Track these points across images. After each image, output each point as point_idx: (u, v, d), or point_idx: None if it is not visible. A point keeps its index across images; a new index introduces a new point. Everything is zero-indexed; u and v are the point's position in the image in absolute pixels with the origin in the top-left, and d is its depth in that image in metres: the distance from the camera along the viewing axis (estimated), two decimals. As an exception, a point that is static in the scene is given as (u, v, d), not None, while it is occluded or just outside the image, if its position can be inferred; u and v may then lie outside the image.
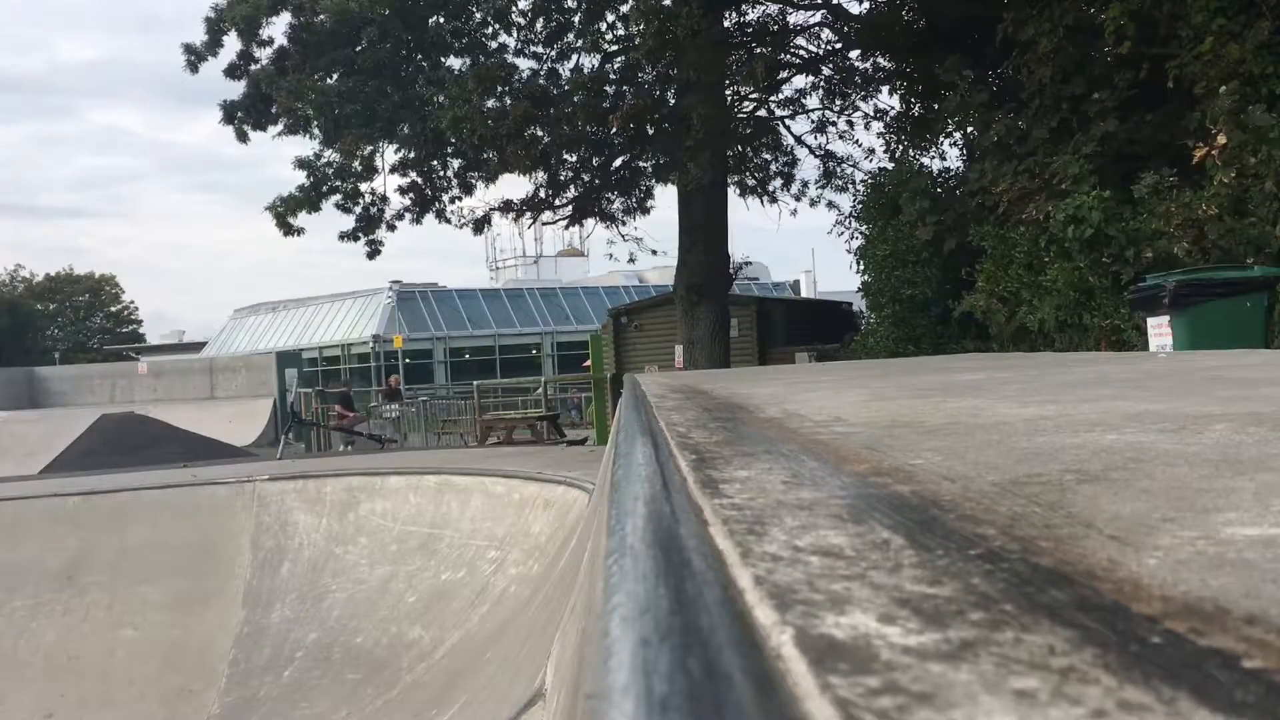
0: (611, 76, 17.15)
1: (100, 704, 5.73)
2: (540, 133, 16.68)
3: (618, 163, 18.80)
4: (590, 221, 20.12)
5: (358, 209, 18.12)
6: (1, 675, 5.91)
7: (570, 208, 19.37)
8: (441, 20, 16.98)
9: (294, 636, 5.99)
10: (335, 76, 16.89)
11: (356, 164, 17.58)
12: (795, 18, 18.64)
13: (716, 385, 3.90)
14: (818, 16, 18.59)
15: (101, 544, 6.75)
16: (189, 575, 6.53)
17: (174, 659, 5.98)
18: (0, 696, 5.78)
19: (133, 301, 74.46)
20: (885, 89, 19.53)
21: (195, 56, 16.92)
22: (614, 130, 16.73)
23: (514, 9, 17.16)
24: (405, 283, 45.28)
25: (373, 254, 18.56)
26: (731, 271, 18.81)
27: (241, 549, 6.69)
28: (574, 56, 17.80)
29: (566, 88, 16.85)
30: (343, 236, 18.34)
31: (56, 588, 6.44)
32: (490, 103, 16.05)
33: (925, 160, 17.68)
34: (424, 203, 18.34)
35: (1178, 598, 0.60)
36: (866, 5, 18.05)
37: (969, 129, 15.12)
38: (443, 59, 17.16)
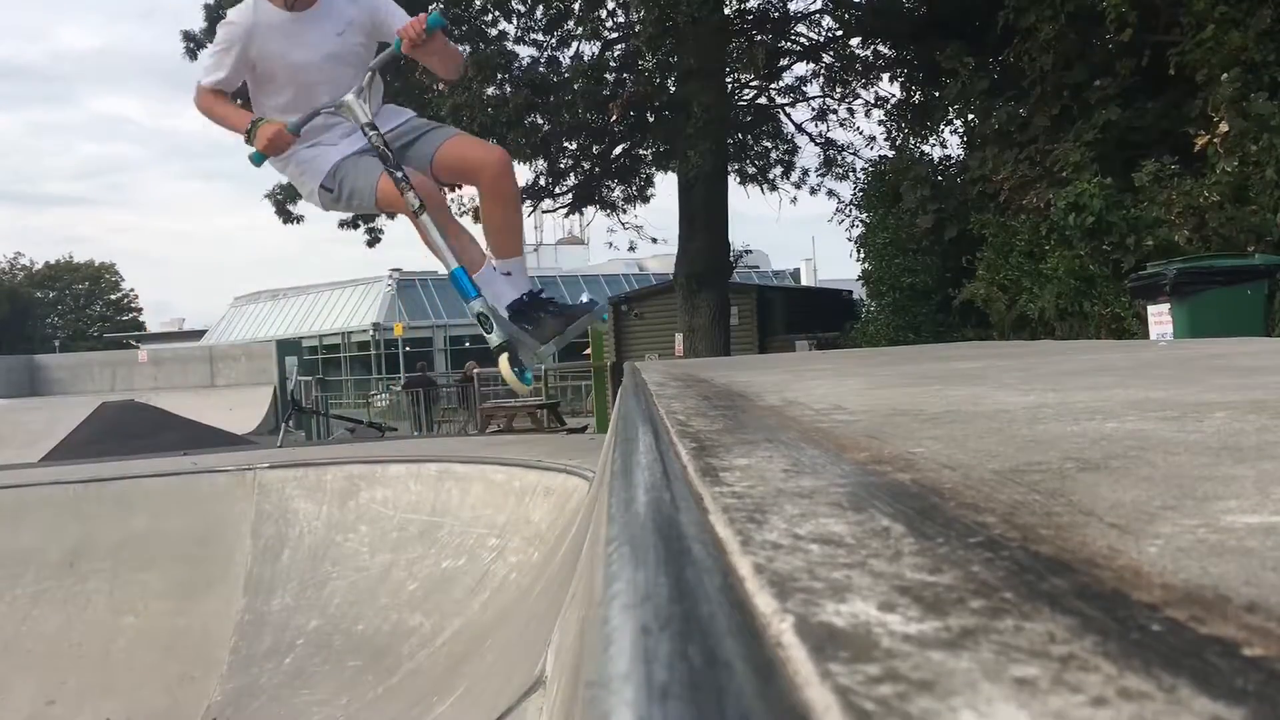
0: (612, 64, 17.10)
1: (102, 691, 5.75)
2: (540, 120, 16.64)
3: (618, 150, 18.76)
4: (590, 209, 20.11)
5: (357, 197, 18.09)
6: (4, 663, 5.92)
7: (570, 195, 19.35)
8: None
9: (295, 624, 6.00)
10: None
11: (356, 151, 17.53)
12: (796, 5, 18.69)
13: (716, 373, 3.89)
14: (818, 3, 18.57)
15: (102, 532, 6.75)
16: (190, 563, 6.53)
17: (175, 646, 5.99)
18: (3, 684, 5.80)
19: (133, 289, 74.65)
20: (886, 76, 19.52)
21: (195, 44, 16.87)
22: (614, 118, 16.70)
23: (514, -4, 17.10)
24: (405, 270, 45.23)
25: (372, 242, 18.56)
26: (732, 260, 18.80)
27: (242, 537, 6.69)
28: (574, 44, 17.76)
29: (567, 75, 16.80)
30: (342, 224, 18.35)
31: (58, 575, 6.45)
32: (490, 90, 16.00)
33: (926, 148, 17.70)
34: (423, 191, 18.30)
35: (1178, 585, 0.60)
36: (867, -8, 18.00)
37: (970, 116, 15.10)
38: (442, 46, 17.09)
